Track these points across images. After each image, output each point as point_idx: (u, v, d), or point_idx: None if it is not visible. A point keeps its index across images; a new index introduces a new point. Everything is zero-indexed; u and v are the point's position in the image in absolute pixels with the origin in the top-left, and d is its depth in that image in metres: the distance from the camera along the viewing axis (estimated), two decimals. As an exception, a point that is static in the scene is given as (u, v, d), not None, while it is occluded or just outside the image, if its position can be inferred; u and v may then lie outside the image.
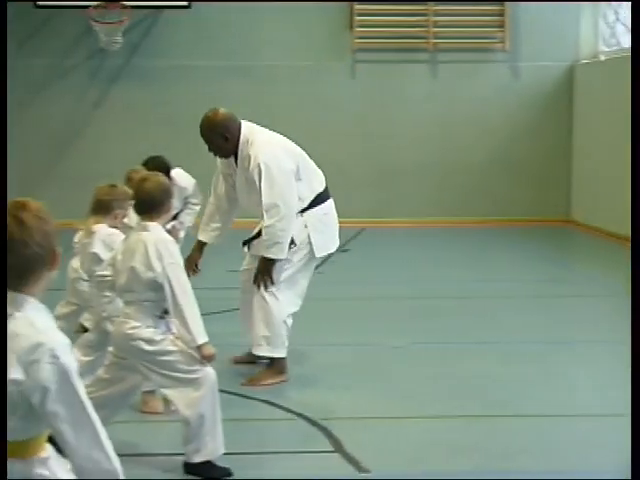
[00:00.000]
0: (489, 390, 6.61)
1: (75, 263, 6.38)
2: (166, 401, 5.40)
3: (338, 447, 5.45)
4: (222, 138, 6.58)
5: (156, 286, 4.90)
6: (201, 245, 7.01)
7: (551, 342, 8.00)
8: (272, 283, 6.58)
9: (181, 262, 5.02)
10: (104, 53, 14.34)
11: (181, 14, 14.38)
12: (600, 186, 13.92)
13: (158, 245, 4.92)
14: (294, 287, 6.74)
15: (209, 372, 4.94)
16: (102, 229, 6.09)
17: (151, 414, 5.92)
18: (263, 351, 6.72)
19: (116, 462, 2.88)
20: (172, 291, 4.86)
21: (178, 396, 4.95)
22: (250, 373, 6.78)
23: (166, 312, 4.95)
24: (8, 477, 2.76)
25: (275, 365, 6.74)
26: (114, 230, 6.10)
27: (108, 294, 5.38)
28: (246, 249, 6.95)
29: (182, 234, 8.43)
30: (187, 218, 8.63)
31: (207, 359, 4.93)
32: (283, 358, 6.75)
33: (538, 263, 11.97)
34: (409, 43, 14.99)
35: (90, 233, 6.11)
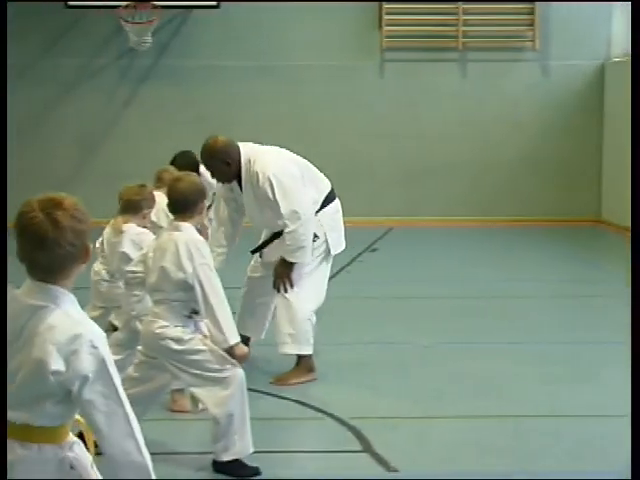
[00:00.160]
0: (515, 390, 6.59)
1: (97, 266, 6.38)
2: (195, 400, 5.42)
3: (367, 447, 5.45)
4: (224, 164, 6.63)
5: (186, 286, 4.91)
6: None
7: (580, 342, 7.95)
8: (292, 286, 6.66)
9: (212, 263, 5.04)
10: (134, 53, 14.39)
11: (210, 14, 14.40)
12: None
13: (189, 245, 4.94)
14: (314, 285, 6.79)
15: (238, 371, 4.95)
16: (131, 228, 6.12)
17: (180, 412, 5.94)
18: (289, 349, 6.75)
19: (147, 455, 2.89)
20: (203, 292, 4.87)
21: (207, 395, 4.97)
22: (278, 372, 6.80)
23: (194, 312, 4.97)
24: (43, 460, 2.78)
25: (303, 364, 6.75)
26: (143, 229, 6.14)
27: (137, 293, 5.38)
28: (258, 257, 6.98)
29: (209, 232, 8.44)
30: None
31: (240, 359, 4.95)
32: (310, 356, 6.76)
33: (567, 263, 11.91)
34: (438, 42, 14.93)
35: (119, 232, 6.14)
